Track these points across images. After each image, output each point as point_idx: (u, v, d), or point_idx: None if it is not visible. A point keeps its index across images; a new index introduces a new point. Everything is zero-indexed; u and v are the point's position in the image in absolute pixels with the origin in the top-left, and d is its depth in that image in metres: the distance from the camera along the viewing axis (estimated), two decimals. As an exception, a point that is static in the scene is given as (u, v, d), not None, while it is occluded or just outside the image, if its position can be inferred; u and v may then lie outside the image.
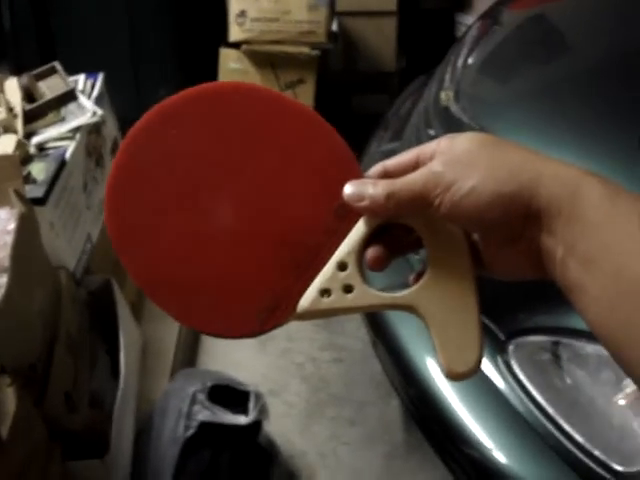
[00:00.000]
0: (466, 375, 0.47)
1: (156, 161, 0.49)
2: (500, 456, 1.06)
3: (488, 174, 0.44)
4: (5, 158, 1.42)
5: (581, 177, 0.44)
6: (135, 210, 0.49)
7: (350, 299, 0.47)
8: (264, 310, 0.48)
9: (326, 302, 0.47)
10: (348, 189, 0.48)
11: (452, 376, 0.47)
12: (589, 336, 1.04)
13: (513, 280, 0.49)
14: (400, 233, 0.49)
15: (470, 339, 0.46)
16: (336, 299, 0.47)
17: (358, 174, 0.49)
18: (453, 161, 0.46)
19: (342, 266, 0.48)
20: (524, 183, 0.44)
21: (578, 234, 0.42)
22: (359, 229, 0.48)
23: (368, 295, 0.47)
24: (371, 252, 0.48)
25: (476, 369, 0.47)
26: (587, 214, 0.42)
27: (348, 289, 0.47)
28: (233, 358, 2.05)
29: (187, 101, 0.49)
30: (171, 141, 0.49)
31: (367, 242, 0.48)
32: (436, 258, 0.47)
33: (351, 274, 0.47)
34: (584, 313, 0.43)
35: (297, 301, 0.48)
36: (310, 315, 0.48)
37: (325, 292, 0.47)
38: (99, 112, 1.76)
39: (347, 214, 0.48)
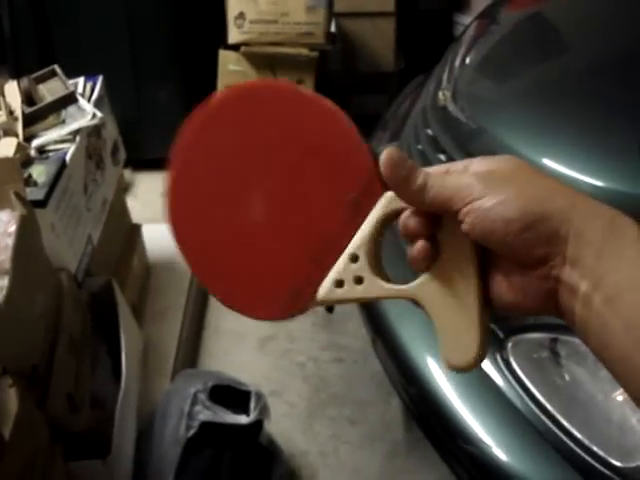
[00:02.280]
0: (464, 369, 0.48)
1: (204, 162, 0.54)
2: (500, 453, 1.06)
3: (521, 190, 0.44)
4: (6, 161, 1.42)
5: (615, 213, 0.43)
6: (191, 207, 0.54)
7: (360, 290, 0.50)
8: (288, 296, 0.52)
9: (339, 292, 0.51)
10: (390, 152, 0.47)
11: (450, 368, 0.49)
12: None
13: (512, 312, 0.48)
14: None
15: (469, 335, 0.48)
16: (348, 290, 0.51)
17: (369, 164, 0.51)
18: (487, 175, 0.45)
19: (354, 258, 0.51)
20: (558, 207, 0.43)
21: (608, 268, 0.41)
22: (370, 221, 0.50)
23: (376, 287, 0.50)
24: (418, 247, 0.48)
25: (474, 364, 0.48)
26: (623, 250, 0.41)
27: (359, 280, 0.50)
28: (234, 359, 2.06)
29: (224, 103, 0.54)
30: (216, 142, 0.53)
31: (379, 233, 0.51)
32: (443, 257, 0.49)
33: (362, 266, 0.50)
34: (602, 350, 0.42)
35: (317, 289, 0.51)
36: (327, 303, 0.51)
37: (339, 283, 0.51)
38: (99, 114, 1.76)
39: (361, 205, 0.51)
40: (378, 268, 0.51)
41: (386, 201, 0.50)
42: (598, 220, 0.42)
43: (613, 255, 0.41)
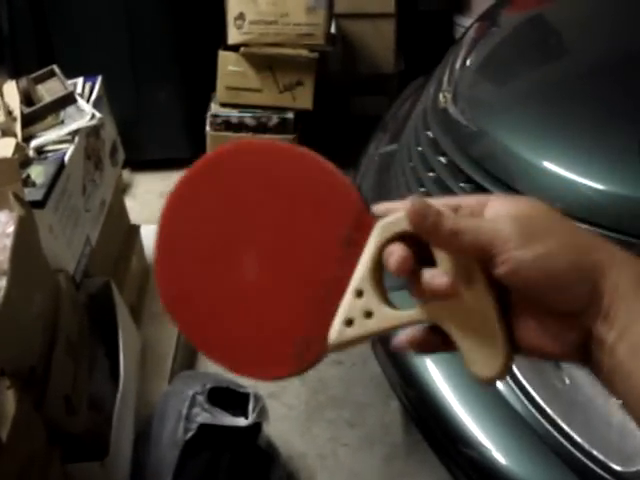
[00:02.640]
0: (494, 379, 0.47)
1: (193, 224, 0.53)
2: (499, 457, 1.06)
3: (567, 243, 0.43)
4: (4, 161, 1.42)
5: None
6: (181, 271, 0.53)
7: (372, 324, 0.49)
8: (299, 349, 0.50)
9: (351, 332, 0.49)
10: (414, 204, 0.45)
11: (480, 381, 0.48)
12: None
13: (534, 355, 0.47)
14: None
15: (494, 346, 0.47)
16: (360, 326, 0.49)
17: (354, 198, 0.50)
18: (524, 222, 0.44)
19: (359, 293, 0.49)
20: (600, 260, 0.43)
21: (635, 318, 0.41)
22: (367, 253, 0.49)
23: (387, 317, 0.49)
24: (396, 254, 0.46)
25: (503, 373, 0.47)
26: None
27: (368, 314, 0.49)
28: (233, 360, 2.05)
29: (211, 165, 0.53)
30: (199, 210, 0.53)
31: (378, 264, 0.49)
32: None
33: (368, 299, 0.49)
34: (627, 399, 0.42)
35: (327, 335, 0.50)
36: (341, 346, 0.49)
37: (349, 322, 0.49)
38: (98, 115, 1.76)
39: (354, 241, 0.49)
40: (385, 298, 0.50)
41: (379, 231, 0.48)
42: (630, 273, 0.43)
43: None
